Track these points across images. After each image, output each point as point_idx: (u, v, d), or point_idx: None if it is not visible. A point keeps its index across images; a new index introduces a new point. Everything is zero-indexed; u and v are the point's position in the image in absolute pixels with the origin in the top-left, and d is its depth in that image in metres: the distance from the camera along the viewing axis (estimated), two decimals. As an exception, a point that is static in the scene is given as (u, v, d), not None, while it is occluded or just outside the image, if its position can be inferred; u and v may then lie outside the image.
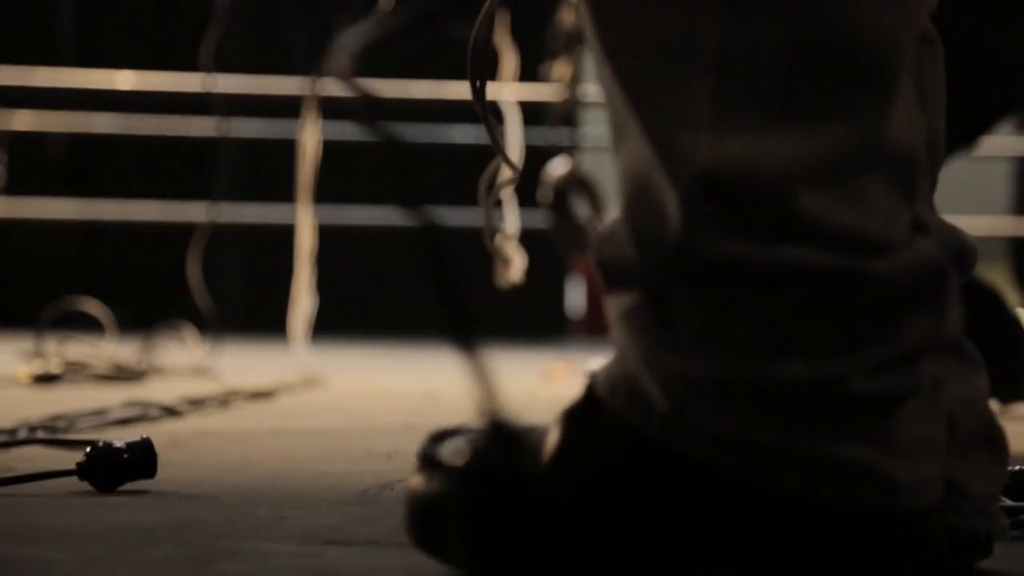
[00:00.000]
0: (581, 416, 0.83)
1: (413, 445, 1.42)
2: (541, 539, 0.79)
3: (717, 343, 0.80)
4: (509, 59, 3.05)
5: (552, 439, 0.83)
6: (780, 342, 0.80)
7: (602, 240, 0.87)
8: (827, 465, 0.79)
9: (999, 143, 4.99)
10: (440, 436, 0.87)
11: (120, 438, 1.21)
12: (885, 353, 0.80)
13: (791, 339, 0.80)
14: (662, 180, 0.81)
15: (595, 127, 5.20)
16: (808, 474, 0.79)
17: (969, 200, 5.18)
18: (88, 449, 1.19)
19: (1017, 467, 1.12)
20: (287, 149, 3.54)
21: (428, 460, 0.85)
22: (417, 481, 0.85)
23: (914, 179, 0.83)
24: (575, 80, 3.42)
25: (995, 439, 0.89)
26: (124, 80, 4.58)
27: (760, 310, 0.80)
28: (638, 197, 0.83)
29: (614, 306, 0.85)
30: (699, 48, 0.79)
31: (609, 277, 0.85)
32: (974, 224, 5.17)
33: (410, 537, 0.84)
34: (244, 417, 2.10)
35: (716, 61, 0.79)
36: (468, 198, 4.88)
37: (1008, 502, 1.08)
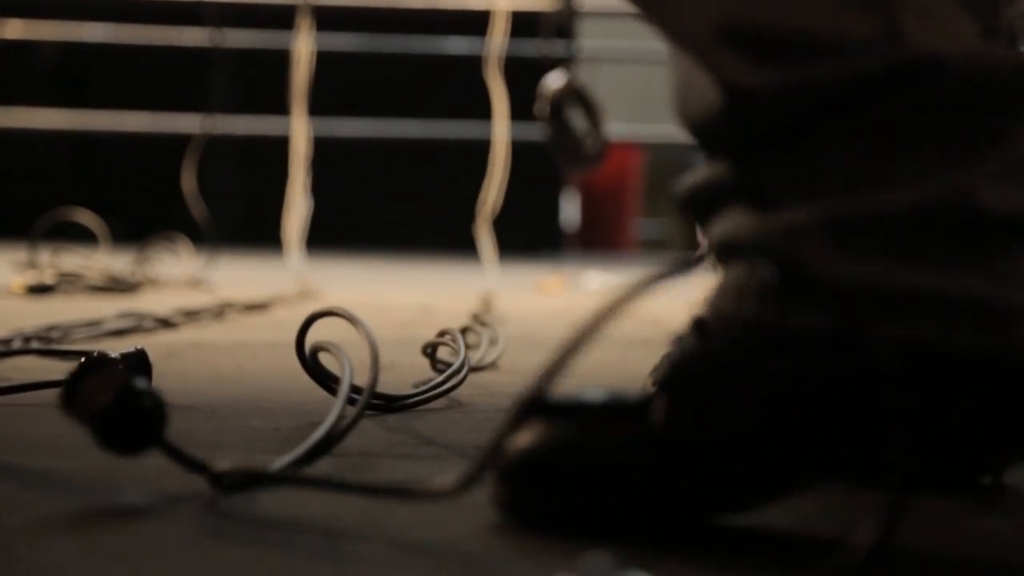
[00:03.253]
0: (692, 331, 0.76)
1: (407, 358, 1.43)
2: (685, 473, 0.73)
3: (813, 184, 0.72)
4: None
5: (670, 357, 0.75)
6: (876, 165, 0.71)
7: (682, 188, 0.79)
8: (951, 304, 0.70)
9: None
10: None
11: (115, 349, 1.21)
12: (1005, 158, 0.71)
13: (884, 158, 0.71)
14: (693, 71, 0.76)
15: (591, 38, 5.16)
16: (935, 318, 0.70)
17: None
18: (83, 359, 1.19)
19: None
20: (281, 60, 3.51)
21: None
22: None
23: None
24: (571, -10, 3.39)
25: None
26: (116, -11, 4.54)
27: (841, 134, 0.72)
28: (685, 99, 0.78)
29: (709, 234, 0.77)
30: None
31: (696, 215, 0.78)
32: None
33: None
34: (239, 329, 2.11)
35: None
36: (460, 110, 4.84)
37: None
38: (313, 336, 1.11)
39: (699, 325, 0.76)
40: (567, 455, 0.74)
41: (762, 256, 0.73)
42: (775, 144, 0.74)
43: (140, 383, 0.77)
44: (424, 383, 1.24)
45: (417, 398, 1.18)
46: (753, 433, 0.72)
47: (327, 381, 1.13)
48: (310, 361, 1.11)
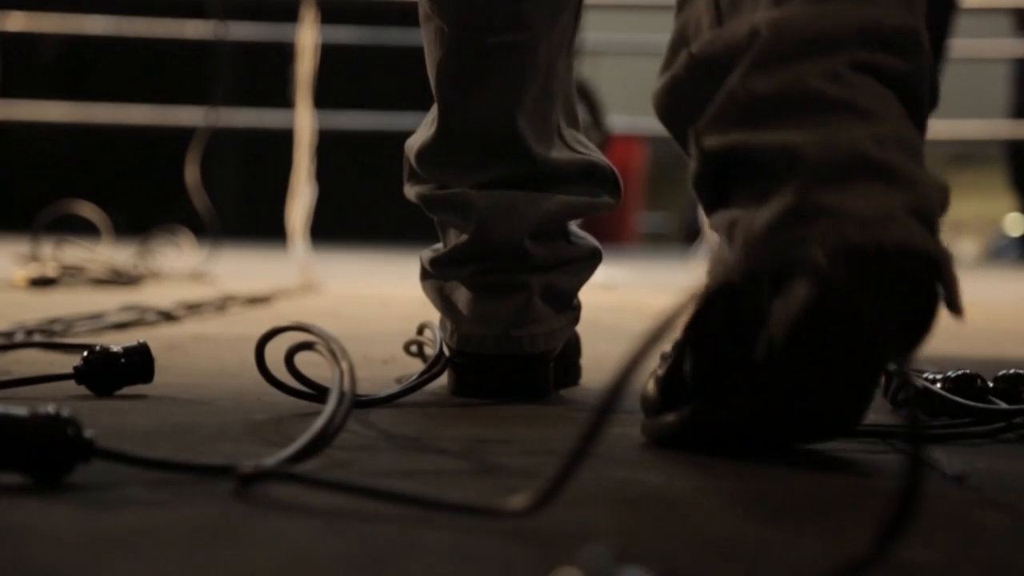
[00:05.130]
0: None
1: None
2: None
3: None
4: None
5: None
6: None
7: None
8: None
9: (997, 46, 4.94)
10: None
11: (117, 342, 1.21)
12: None
13: None
14: None
15: (593, 31, 5.16)
16: None
17: (967, 104, 5.15)
18: (85, 353, 1.19)
19: (1012, 370, 1.12)
20: (285, 52, 3.51)
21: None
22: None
23: None
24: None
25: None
26: (119, -18, 4.53)
27: None
28: None
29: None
30: None
31: None
32: (972, 128, 5.15)
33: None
34: (241, 322, 2.11)
35: None
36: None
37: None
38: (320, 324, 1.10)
39: None
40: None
41: None
42: None
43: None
44: (404, 377, 1.24)
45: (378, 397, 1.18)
46: None
47: (291, 389, 1.12)
48: (288, 362, 1.11)
